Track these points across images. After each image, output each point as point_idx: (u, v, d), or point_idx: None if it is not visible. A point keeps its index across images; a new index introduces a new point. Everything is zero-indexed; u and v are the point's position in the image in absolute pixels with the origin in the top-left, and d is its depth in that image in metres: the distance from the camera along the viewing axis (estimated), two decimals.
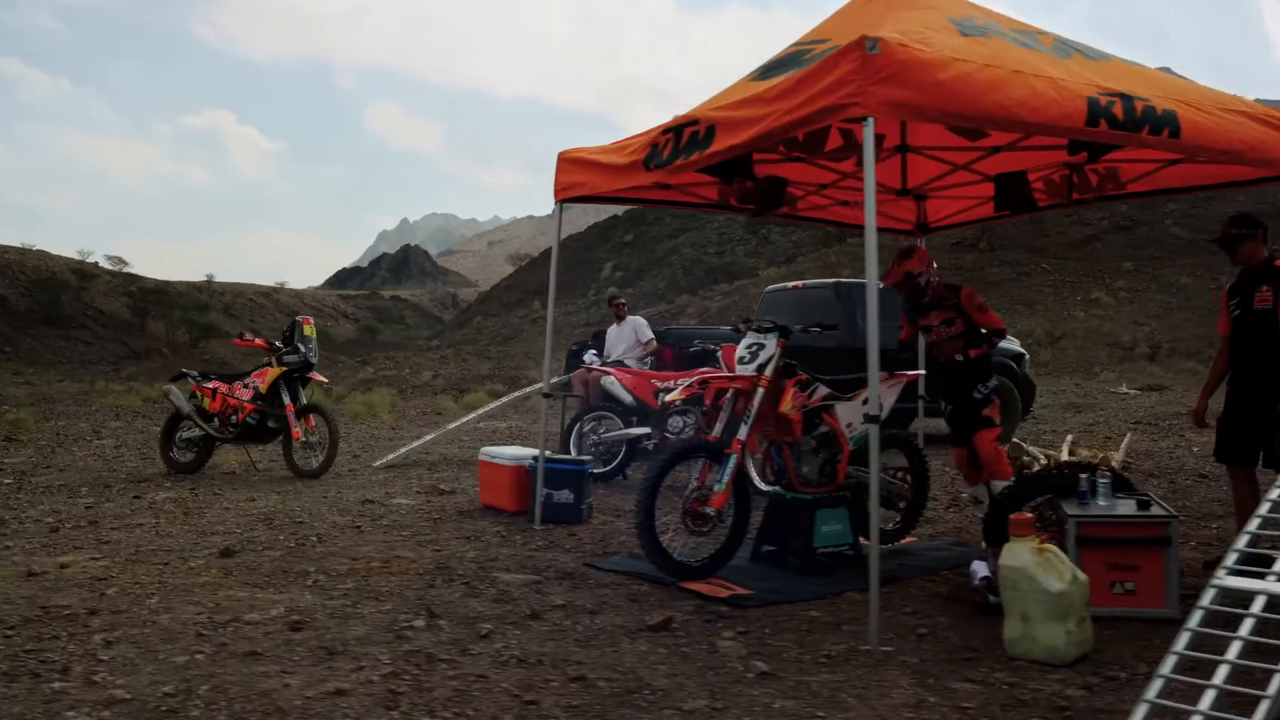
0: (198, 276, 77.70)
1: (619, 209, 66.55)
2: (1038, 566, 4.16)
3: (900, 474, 6.48)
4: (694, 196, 7.19)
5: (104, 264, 70.24)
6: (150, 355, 56.67)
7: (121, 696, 3.52)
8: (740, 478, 5.48)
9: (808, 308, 11.95)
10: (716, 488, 5.36)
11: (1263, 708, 2.67)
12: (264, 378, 9.68)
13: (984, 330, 6.13)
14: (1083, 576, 4.19)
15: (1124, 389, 21.57)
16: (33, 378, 38.08)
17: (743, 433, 5.46)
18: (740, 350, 5.85)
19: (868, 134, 4.37)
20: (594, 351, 10.63)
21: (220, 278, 75.92)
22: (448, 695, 3.57)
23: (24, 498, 8.18)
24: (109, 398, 24.17)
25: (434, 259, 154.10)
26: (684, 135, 5.43)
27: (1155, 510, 4.83)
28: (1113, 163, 6.26)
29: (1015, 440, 10.11)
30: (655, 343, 10.36)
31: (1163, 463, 10.03)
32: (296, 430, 9.56)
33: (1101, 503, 5.00)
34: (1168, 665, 2.91)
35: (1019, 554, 4.25)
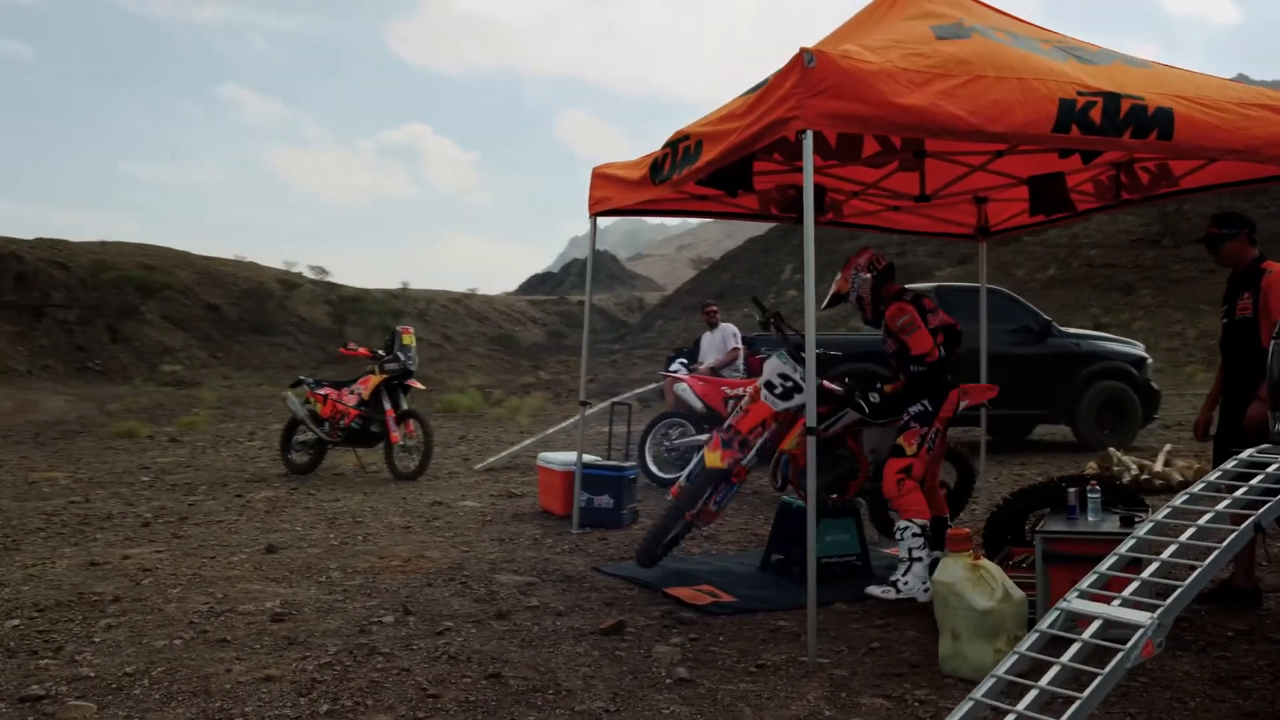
0: (393, 284, 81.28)
1: None
2: (967, 583, 4.12)
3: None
4: (735, 206, 7.29)
5: (307, 273, 74.54)
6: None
7: (86, 674, 3.98)
8: None
9: None
10: (713, 507, 5.70)
11: None
12: (367, 385, 10.31)
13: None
14: (1017, 594, 4.12)
15: None
16: (237, 381, 41.07)
17: (750, 460, 5.63)
18: (769, 374, 5.78)
19: (806, 146, 4.43)
20: (683, 359, 10.80)
21: (414, 285, 79.28)
22: (361, 686, 3.87)
23: (146, 494, 9.02)
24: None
25: (623, 264, 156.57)
26: (679, 150, 5.59)
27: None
28: (1162, 158, 6.04)
29: (1110, 449, 9.69)
30: (740, 351, 10.43)
31: None
32: (395, 434, 10.14)
33: (1090, 518, 4.85)
34: (982, 689, 2.89)
35: (951, 569, 4.21)
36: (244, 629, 4.62)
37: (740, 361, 10.46)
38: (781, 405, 5.65)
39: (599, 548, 6.59)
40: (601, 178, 6.77)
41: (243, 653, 4.27)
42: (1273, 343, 4.05)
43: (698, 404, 9.21)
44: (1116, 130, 4.67)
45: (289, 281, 68.56)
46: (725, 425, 5.76)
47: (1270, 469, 3.42)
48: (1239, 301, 4.94)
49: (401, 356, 10.37)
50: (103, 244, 60.50)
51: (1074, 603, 3.11)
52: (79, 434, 16.36)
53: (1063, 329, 11.98)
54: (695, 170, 5.40)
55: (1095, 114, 4.64)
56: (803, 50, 4.39)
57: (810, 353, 4.48)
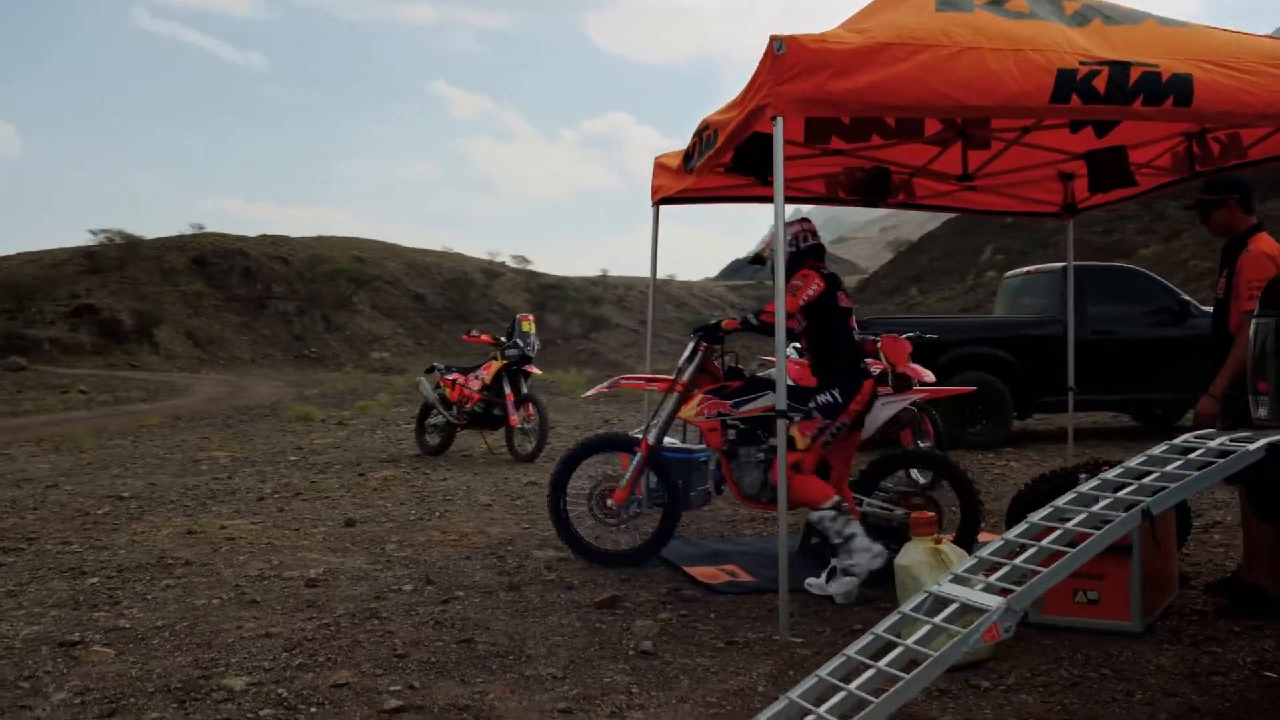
0: (593, 272, 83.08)
1: None
2: (925, 567, 4.13)
3: (916, 498, 5.64)
4: (800, 191, 7.33)
5: (509, 263, 77.17)
6: (546, 346, 61.97)
7: (123, 625, 4.55)
8: (669, 480, 5.70)
9: (1036, 295, 11.41)
10: (620, 484, 5.63)
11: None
12: (489, 370, 10.85)
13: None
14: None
15: None
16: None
17: (652, 436, 5.60)
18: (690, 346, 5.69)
19: (777, 132, 4.50)
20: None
21: (614, 272, 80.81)
22: (343, 645, 4.25)
23: (283, 472, 9.83)
24: None
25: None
26: (703, 138, 5.74)
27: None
28: (1230, 128, 5.76)
29: None
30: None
31: None
32: (514, 418, 10.63)
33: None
34: (800, 689, 2.94)
35: (911, 553, 4.23)
36: (278, 592, 5.11)
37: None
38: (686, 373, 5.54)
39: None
40: (660, 166, 6.97)
41: (262, 613, 4.75)
42: (1253, 321, 3.84)
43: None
44: (1125, 98, 4.53)
45: (491, 271, 71.32)
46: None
47: (1194, 454, 3.30)
48: (1220, 279, 4.68)
49: (521, 343, 10.84)
50: (319, 238, 64.64)
51: (944, 586, 3.13)
52: (266, 417, 17.77)
53: (1203, 308, 11.29)
54: (711, 158, 5.53)
55: (1099, 83, 4.51)
56: (773, 38, 4.47)
57: (780, 339, 4.54)
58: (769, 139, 5.24)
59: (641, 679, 3.89)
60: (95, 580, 5.35)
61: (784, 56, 4.42)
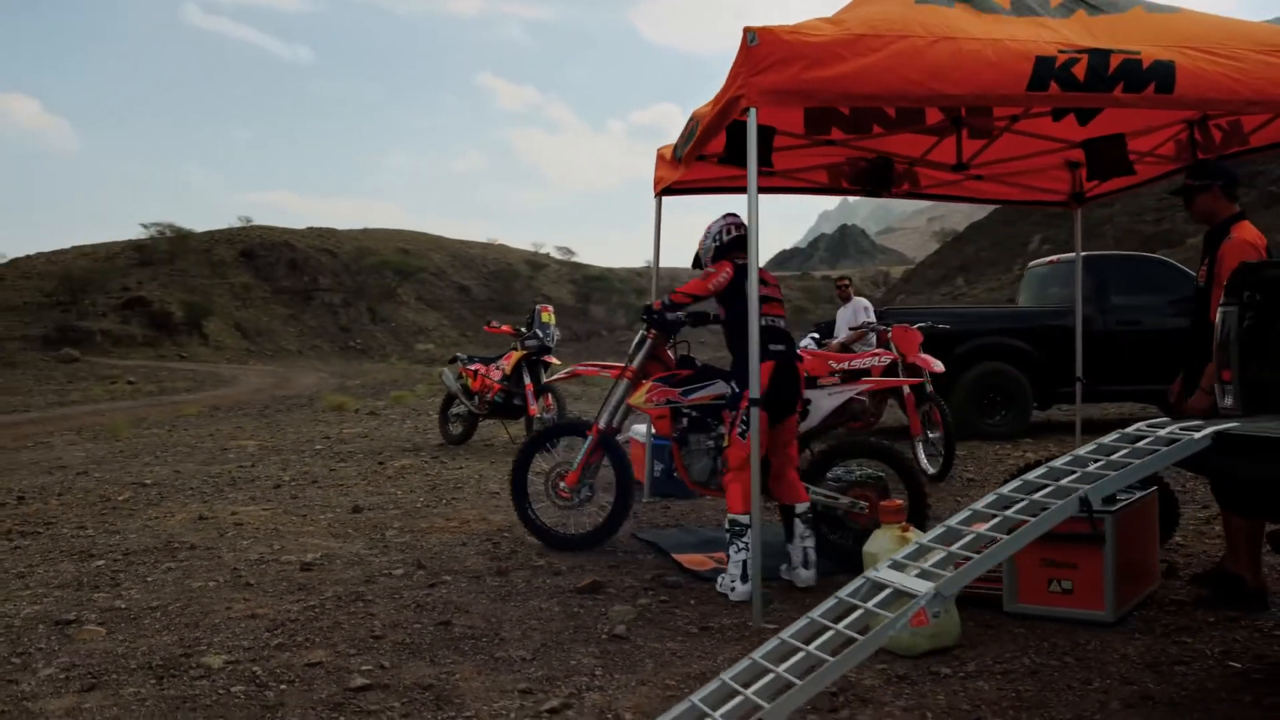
0: (639, 263, 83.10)
1: None
2: (890, 554, 4.15)
3: (867, 490, 5.45)
4: (803, 182, 7.36)
5: (554, 254, 77.38)
6: (590, 337, 62.19)
7: (119, 606, 4.72)
8: (619, 459, 5.84)
9: (1061, 285, 11.31)
10: (571, 467, 5.79)
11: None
12: (509, 360, 10.98)
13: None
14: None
15: None
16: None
17: (603, 420, 5.73)
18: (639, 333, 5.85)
19: (750, 124, 4.55)
20: (814, 334, 10.84)
21: (661, 264, 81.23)
22: (324, 626, 4.38)
23: (306, 461, 10.04)
24: None
25: (872, 238, 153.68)
26: (688, 129, 5.83)
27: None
28: (1230, 115, 5.73)
29: None
30: (869, 325, 10.36)
31: None
32: (534, 407, 10.75)
33: None
34: (703, 692, 2.95)
35: (878, 540, 4.27)
36: (273, 576, 5.26)
37: (873, 336, 10.40)
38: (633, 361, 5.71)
39: (654, 515, 6.89)
40: (660, 158, 7.05)
41: (254, 595, 4.90)
42: (1220, 309, 3.83)
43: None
44: (1105, 86, 4.55)
45: (536, 262, 71.74)
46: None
47: (1142, 442, 3.31)
48: (1200, 266, 4.65)
49: (540, 334, 10.96)
50: (365, 231, 65.45)
51: (881, 571, 3.17)
52: (302, 407, 18.09)
53: None
54: (693, 149, 5.61)
55: (1078, 70, 4.53)
56: (746, 30, 4.52)
57: (753, 324, 4.57)
58: (761, 130, 5.31)
59: (608, 662, 3.98)
60: (102, 563, 5.54)
61: (757, 48, 4.47)
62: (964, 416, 10.00)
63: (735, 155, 5.97)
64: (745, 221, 5.21)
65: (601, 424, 5.74)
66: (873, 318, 10.48)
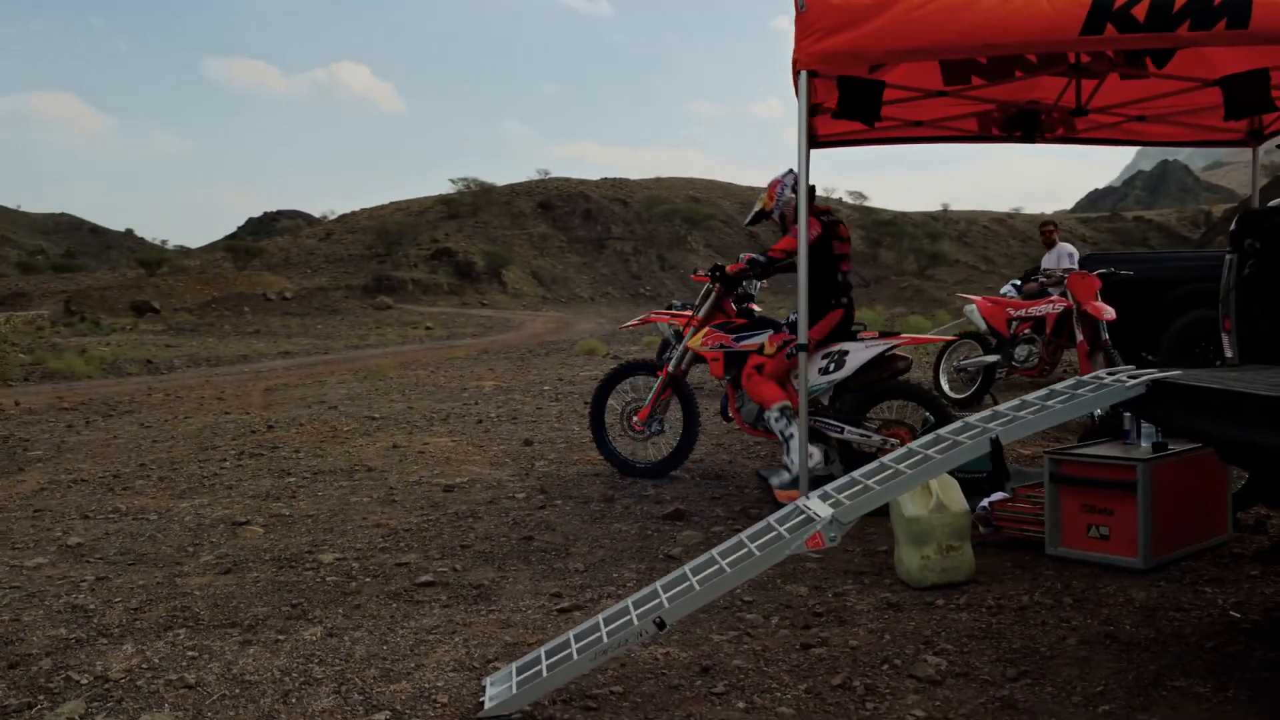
0: (933, 206, 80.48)
1: None
2: (910, 494, 4.37)
3: (900, 429, 5.75)
4: (952, 130, 7.34)
5: (846, 199, 76.32)
6: (877, 282, 61.20)
7: (283, 512, 5.71)
8: (687, 399, 6.33)
9: None
10: (643, 404, 6.37)
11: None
12: None
13: None
14: (957, 507, 4.29)
15: None
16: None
17: (672, 364, 6.27)
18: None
19: (801, 87, 4.81)
20: (1015, 282, 10.60)
21: (955, 207, 77.97)
22: (429, 536, 5.15)
23: (527, 400, 11.01)
24: None
25: (1196, 174, 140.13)
26: None
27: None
28: None
29: None
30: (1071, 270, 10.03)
31: None
32: None
33: (1143, 444, 4.71)
34: (687, 566, 3.39)
35: None
36: (419, 494, 6.12)
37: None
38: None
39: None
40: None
41: (392, 510, 5.76)
42: (1226, 256, 3.79)
43: (981, 324, 9.21)
44: (1168, 25, 4.41)
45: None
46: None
47: (1082, 390, 3.40)
48: None
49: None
50: (657, 179, 67.21)
51: (810, 500, 3.48)
52: (560, 351, 19.38)
53: None
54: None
55: (1139, 11, 4.43)
56: None
57: (802, 274, 4.86)
58: (868, 85, 5.55)
59: (646, 578, 4.45)
60: (293, 479, 6.62)
61: (805, 14, 4.71)
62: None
63: (847, 110, 6.17)
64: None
65: (671, 366, 6.24)
66: (1075, 264, 10.13)
